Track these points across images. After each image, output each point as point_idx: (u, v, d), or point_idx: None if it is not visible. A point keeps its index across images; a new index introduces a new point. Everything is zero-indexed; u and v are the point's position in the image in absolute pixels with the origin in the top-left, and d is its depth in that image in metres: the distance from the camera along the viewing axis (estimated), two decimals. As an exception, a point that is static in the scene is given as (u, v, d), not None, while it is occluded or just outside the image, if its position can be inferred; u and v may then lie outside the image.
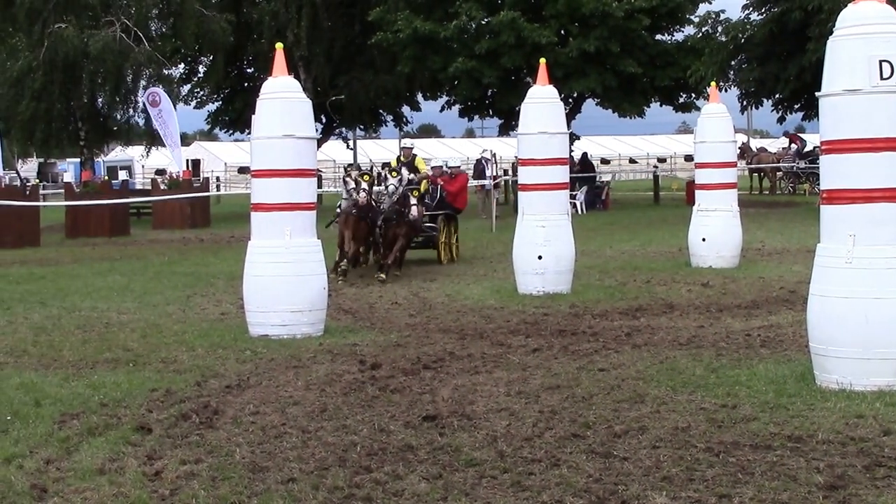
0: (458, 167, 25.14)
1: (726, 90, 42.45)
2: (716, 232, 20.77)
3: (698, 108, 36.79)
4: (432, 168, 22.87)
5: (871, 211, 9.79)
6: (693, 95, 48.14)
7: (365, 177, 19.72)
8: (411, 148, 23.02)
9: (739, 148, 33.98)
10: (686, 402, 9.58)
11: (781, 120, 45.27)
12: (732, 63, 42.69)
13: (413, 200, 20.50)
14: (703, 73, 40.92)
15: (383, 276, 19.51)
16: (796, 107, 43.26)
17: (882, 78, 9.75)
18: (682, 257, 22.05)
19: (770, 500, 6.92)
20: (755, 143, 70.81)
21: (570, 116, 44.83)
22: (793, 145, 50.75)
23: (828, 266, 10.04)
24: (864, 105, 9.83)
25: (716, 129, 21.11)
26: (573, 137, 45.68)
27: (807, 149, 49.63)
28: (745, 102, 44.74)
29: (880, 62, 9.74)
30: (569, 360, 11.82)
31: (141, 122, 46.35)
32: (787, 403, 9.41)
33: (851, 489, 7.09)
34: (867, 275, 9.74)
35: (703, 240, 20.85)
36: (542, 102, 17.44)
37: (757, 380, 10.35)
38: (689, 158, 63.38)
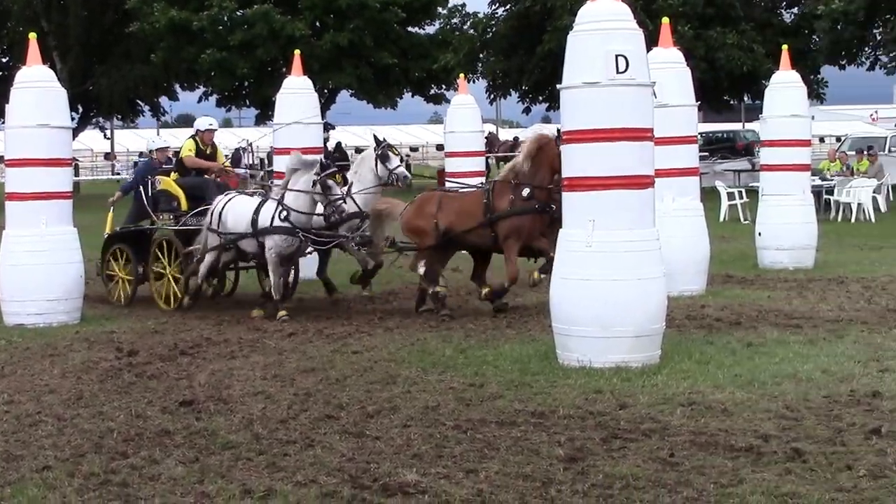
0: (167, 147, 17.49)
1: (474, 82, 43.40)
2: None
3: (448, 100, 37.46)
4: (158, 150, 16.79)
5: (609, 197, 10.30)
6: (444, 87, 48.93)
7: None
8: (214, 130, 16.43)
9: (486, 138, 34.79)
10: (436, 382, 9.90)
11: (527, 111, 46.54)
12: (480, 56, 43.67)
13: None
14: (452, 65, 41.71)
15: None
16: (541, 98, 44.48)
17: (618, 71, 10.26)
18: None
19: (514, 474, 7.23)
20: (504, 134, 72.18)
21: (325, 107, 44.98)
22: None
23: (570, 250, 10.53)
24: (602, 97, 10.34)
25: (464, 119, 21.63)
26: (328, 127, 45.85)
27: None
28: (492, 94, 45.80)
29: (616, 56, 10.25)
30: (323, 344, 12.05)
31: None
32: (532, 381, 9.82)
33: (590, 460, 7.48)
34: (606, 258, 10.25)
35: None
36: (296, 93, 17.62)
37: (503, 359, 10.75)
38: (440, 148, 64.30)
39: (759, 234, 18.23)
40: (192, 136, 16.17)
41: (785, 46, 18.94)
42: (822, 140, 75.55)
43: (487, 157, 32.67)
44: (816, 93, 43.03)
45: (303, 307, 14.78)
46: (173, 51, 45.33)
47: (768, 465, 7.25)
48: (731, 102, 47.95)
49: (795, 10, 44.23)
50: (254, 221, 14.14)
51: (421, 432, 8.27)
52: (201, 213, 15.06)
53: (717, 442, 7.80)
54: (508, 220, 13.52)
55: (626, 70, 10.25)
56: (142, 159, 15.99)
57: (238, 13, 44.47)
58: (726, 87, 41.43)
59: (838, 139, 57.37)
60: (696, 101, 15.41)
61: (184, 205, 15.54)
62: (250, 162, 38.43)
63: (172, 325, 13.56)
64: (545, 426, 8.35)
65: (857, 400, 8.89)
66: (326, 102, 46.55)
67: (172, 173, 16.06)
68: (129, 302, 15.35)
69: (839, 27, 37.86)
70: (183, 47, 45.08)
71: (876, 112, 73.91)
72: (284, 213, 13.89)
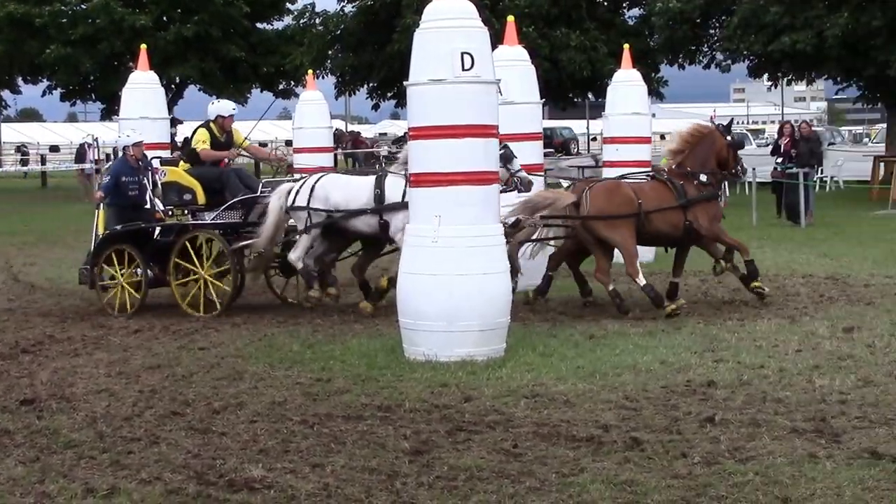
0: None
1: (323, 77, 43.38)
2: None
3: (297, 95, 37.39)
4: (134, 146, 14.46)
5: (454, 193, 10.43)
6: (292, 83, 48.86)
7: None
8: (233, 115, 14.93)
9: (334, 134, 34.92)
10: (283, 378, 9.93)
11: (376, 107, 46.74)
12: (329, 52, 43.73)
13: None
14: (301, 61, 41.72)
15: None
16: (389, 95, 44.73)
17: (464, 69, 10.40)
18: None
19: (360, 467, 7.31)
20: (353, 129, 72.43)
21: (173, 102, 44.52)
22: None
23: (416, 245, 10.64)
24: (448, 94, 10.46)
25: (313, 115, 21.59)
26: (175, 122, 45.41)
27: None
28: (341, 90, 45.94)
29: (462, 54, 10.39)
30: (170, 340, 11.99)
31: None
32: (378, 375, 9.92)
33: (435, 453, 7.60)
34: (451, 253, 10.38)
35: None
36: (142, 88, 17.41)
37: (350, 354, 10.83)
38: (289, 143, 64.12)
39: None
40: (205, 124, 14.53)
41: (626, 46, 19.32)
42: (662, 137, 77.17)
43: (335, 153, 32.67)
44: (657, 91, 44.01)
45: (147, 303, 14.30)
46: (14, 44, 44.54)
47: (608, 455, 7.44)
48: (576, 100, 48.74)
49: (637, 11, 45.10)
50: (377, 196, 13.10)
51: (267, 427, 8.29)
52: (233, 207, 13.88)
53: (559, 433, 7.97)
54: (703, 206, 13.40)
55: (471, 67, 10.39)
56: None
57: (80, 7, 43.86)
58: (570, 85, 42.16)
59: (679, 137, 58.54)
60: (541, 98, 15.67)
61: (200, 197, 14.09)
62: (96, 157, 37.80)
63: (14, 322, 13.33)
64: (391, 420, 8.44)
65: (693, 389, 9.18)
66: (174, 97, 46.07)
67: (182, 162, 14.59)
68: (135, 310, 13.68)
69: (674, 25, 38.72)
70: (25, 41, 44.32)
71: (714, 111, 75.77)
72: None
